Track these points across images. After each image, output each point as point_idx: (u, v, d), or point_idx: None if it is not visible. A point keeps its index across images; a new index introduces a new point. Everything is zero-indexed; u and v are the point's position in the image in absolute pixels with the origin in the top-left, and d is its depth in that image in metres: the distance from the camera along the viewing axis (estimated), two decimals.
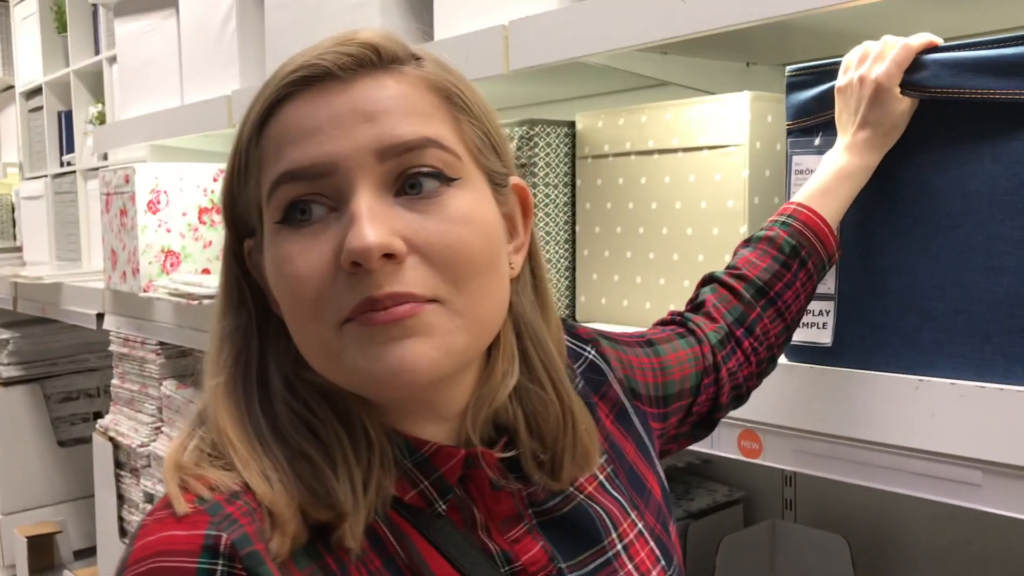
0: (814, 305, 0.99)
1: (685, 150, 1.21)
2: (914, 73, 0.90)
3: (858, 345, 0.96)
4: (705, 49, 1.31)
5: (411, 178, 0.60)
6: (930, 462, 0.88)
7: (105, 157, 2.91)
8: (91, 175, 3.08)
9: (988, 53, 0.86)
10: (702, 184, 1.19)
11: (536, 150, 1.32)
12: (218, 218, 1.97)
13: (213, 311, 0.68)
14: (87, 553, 3.08)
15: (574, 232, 1.38)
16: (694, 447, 1.08)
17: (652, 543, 0.73)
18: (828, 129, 0.97)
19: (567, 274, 1.38)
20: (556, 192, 1.35)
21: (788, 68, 1.02)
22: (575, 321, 0.83)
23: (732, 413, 1.02)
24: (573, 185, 1.37)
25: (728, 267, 0.92)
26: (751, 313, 0.89)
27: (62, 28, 3.38)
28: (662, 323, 0.92)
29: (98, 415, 2.92)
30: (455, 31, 1.44)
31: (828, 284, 0.98)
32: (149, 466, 2.23)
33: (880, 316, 0.95)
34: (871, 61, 0.91)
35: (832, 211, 0.92)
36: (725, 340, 0.88)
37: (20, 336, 3.11)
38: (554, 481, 0.68)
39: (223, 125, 1.97)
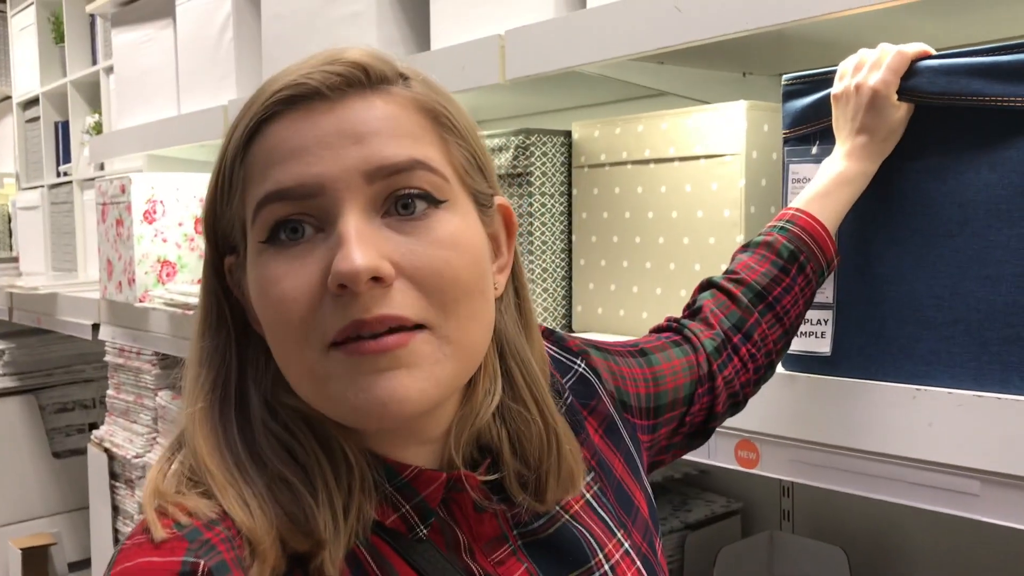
0: (813, 314, 0.98)
1: (681, 159, 1.21)
2: (910, 79, 0.90)
3: (857, 354, 0.96)
4: (701, 59, 1.32)
5: (399, 200, 0.59)
6: (928, 472, 0.88)
7: (102, 167, 2.91)
8: (87, 185, 3.08)
9: (984, 60, 0.86)
10: (698, 193, 1.19)
11: (532, 159, 1.32)
12: None
13: (192, 329, 0.67)
14: (82, 565, 3.06)
15: (570, 242, 1.37)
16: (692, 458, 1.07)
17: (639, 562, 0.72)
18: (825, 137, 0.97)
19: (563, 284, 1.38)
20: (552, 201, 1.35)
21: (784, 77, 1.02)
22: (564, 333, 0.83)
23: (729, 423, 1.01)
24: (569, 195, 1.37)
25: (726, 272, 0.92)
26: (749, 318, 0.88)
27: (59, 39, 3.38)
28: (658, 330, 0.91)
29: (93, 426, 2.91)
30: (451, 41, 1.45)
31: (827, 293, 0.98)
32: (144, 477, 2.22)
33: (878, 325, 0.95)
34: (868, 68, 0.91)
35: (830, 217, 0.92)
36: (721, 347, 0.87)
37: (15, 347, 3.10)
38: (539, 503, 0.67)
39: (219, 135, 1.97)
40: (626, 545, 0.72)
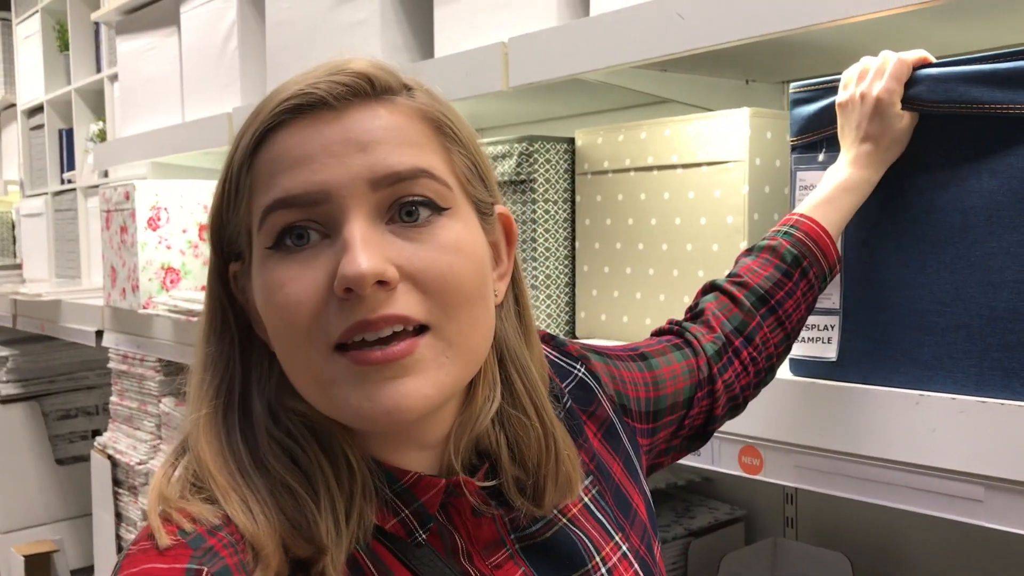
0: (819, 320, 0.99)
1: (684, 166, 1.21)
2: (911, 88, 0.91)
3: (862, 360, 0.96)
4: (704, 66, 1.32)
5: (403, 207, 0.61)
6: (932, 478, 0.88)
7: (106, 174, 2.91)
8: (91, 193, 3.08)
9: (983, 67, 0.86)
10: (702, 200, 1.19)
11: (536, 166, 1.33)
12: None
13: (197, 334, 0.68)
14: (84, 572, 3.06)
15: (574, 248, 1.38)
16: (695, 464, 1.07)
17: (636, 565, 0.73)
18: (831, 145, 0.98)
19: (567, 290, 1.38)
20: (556, 208, 1.35)
21: (792, 85, 1.02)
22: (565, 338, 0.83)
23: (733, 429, 1.01)
24: (573, 201, 1.37)
25: (729, 275, 0.93)
26: (751, 322, 0.89)
27: (64, 47, 3.40)
28: (659, 332, 0.92)
29: (96, 433, 2.91)
30: (455, 48, 1.45)
31: (833, 298, 0.98)
32: (147, 484, 2.22)
33: (882, 331, 0.95)
34: (871, 77, 0.91)
35: (834, 223, 0.93)
36: (722, 351, 0.87)
37: (19, 353, 3.10)
38: (536, 507, 0.68)
39: (224, 142, 1.98)
40: (624, 548, 0.73)
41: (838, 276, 0.98)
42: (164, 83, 2.32)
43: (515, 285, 0.72)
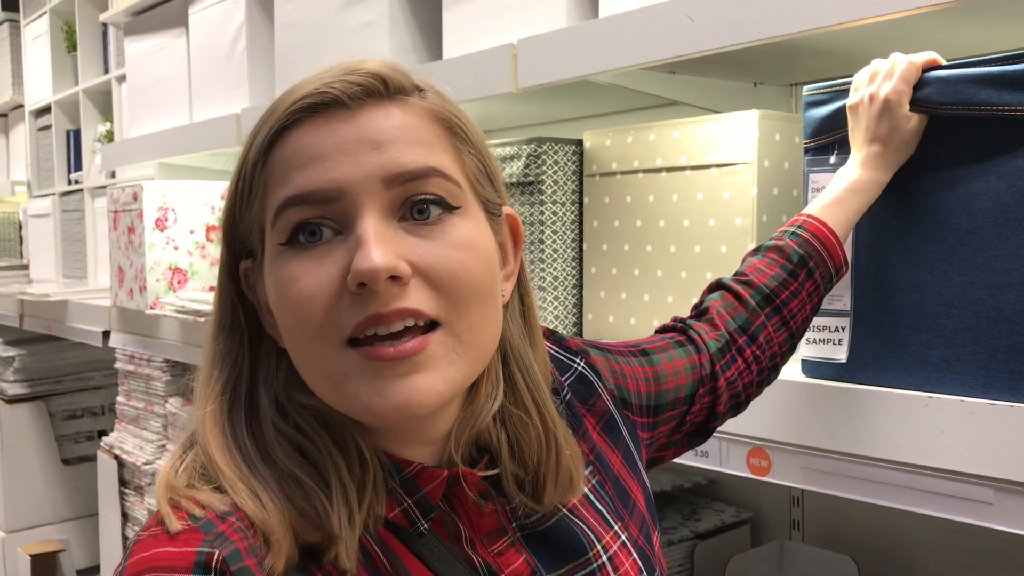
0: (830, 321, 0.99)
1: (693, 168, 1.21)
2: (920, 90, 0.91)
3: (871, 362, 0.97)
4: (713, 68, 1.32)
5: (415, 205, 0.62)
6: (941, 480, 0.88)
7: (113, 175, 2.92)
8: (98, 193, 3.09)
9: (992, 70, 0.86)
10: (710, 202, 1.19)
11: (544, 168, 1.33)
12: None
13: (207, 331, 0.69)
14: (90, 572, 3.07)
15: (581, 250, 1.38)
16: (703, 465, 1.08)
17: (635, 554, 0.74)
18: (843, 147, 0.98)
19: (574, 292, 1.39)
20: (564, 210, 1.36)
21: (805, 88, 1.03)
22: (565, 333, 0.84)
23: (741, 431, 1.01)
24: (581, 203, 1.37)
25: (736, 274, 0.93)
26: (755, 320, 0.89)
27: (72, 48, 3.40)
28: (663, 329, 0.93)
29: (102, 433, 2.92)
30: (464, 50, 1.45)
31: (844, 300, 0.98)
32: (154, 484, 2.23)
33: (891, 333, 0.95)
34: (880, 79, 0.92)
35: (841, 224, 0.93)
36: (725, 348, 0.88)
37: (26, 353, 3.11)
38: (536, 504, 0.69)
39: (232, 143, 1.98)
40: (623, 537, 0.74)
41: (849, 278, 0.98)
42: (172, 84, 2.33)
43: (520, 286, 0.73)
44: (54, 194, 3.49)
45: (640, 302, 1.29)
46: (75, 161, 3.44)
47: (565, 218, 1.36)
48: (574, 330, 1.39)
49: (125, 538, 2.39)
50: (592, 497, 0.75)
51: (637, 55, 1.15)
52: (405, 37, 1.61)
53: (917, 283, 0.93)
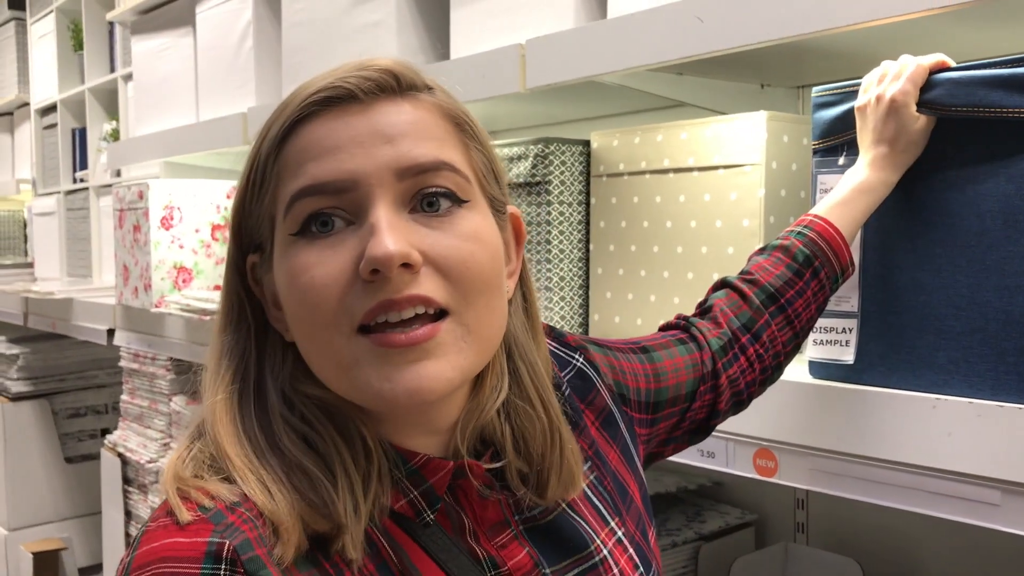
0: (838, 323, 0.99)
1: (700, 169, 1.21)
2: (929, 92, 0.91)
3: (879, 363, 0.97)
4: (720, 70, 1.32)
5: (426, 197, 0.63)
6: (948, 481, 0.88)
7: (118, 174, 2.92)
8: (103, 192, 3.10)
9: (1001, 72, 0.86)
10: (717, 203, 1.19)
11: (551, 168, 1.33)
12: None
13: (214, 324, 0.70)
14: (92, 570, 3.06)
15: (588, 250, 1.38)
16: (709, 466, 1.08)
17: (631, 550, 0.75)
18: (852, 149, 0.98)
19: (581, 292, 1.39)
20: (570, 210, 1.36)
21: (814, 89, 1.03)
22: (564, 330, 0.85)
23: (748, 431, 1.01)
24: (588, 203, 1.37)
25: (741, 272, 0.94)
26: (759, 319, 0.90)
27: (78, 46, 3.41)
28: (667, 327, 0.93)
29: (105, 432, 2.92)
30: (472, 50, 1.46)
31: (851, 302, 0.98)
32: (157, 482, 2.23)
33: (899, 334, 0.95)
34: (888, 80, 0.92)
35: (848, 224, 0.93)
36: (727, 346, 0.89)
37: (30, 351, 3.11)
38: (540, 498, 0.70)
39: (238, 142, 1.99)
40: (619, 533, 0.75)
41: (857, 279, 0.98)
42: (178, 83, 2.33)
43: (523, 283, 0.75)
44: (59, 192, 3.49)
45: (646, 303, 1.29)
46: (80, 159, 3.45)
47: (572, 218, 1.36)
48: (580, 330, 1.39)
49: (128, 536, 2.39)
50: (590, 493, 0.76)
51: (645, 56, 1.15)
52: (412, 37, 1.61)
53: (925, 285, 0.93)
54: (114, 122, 3.17)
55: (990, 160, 0.89)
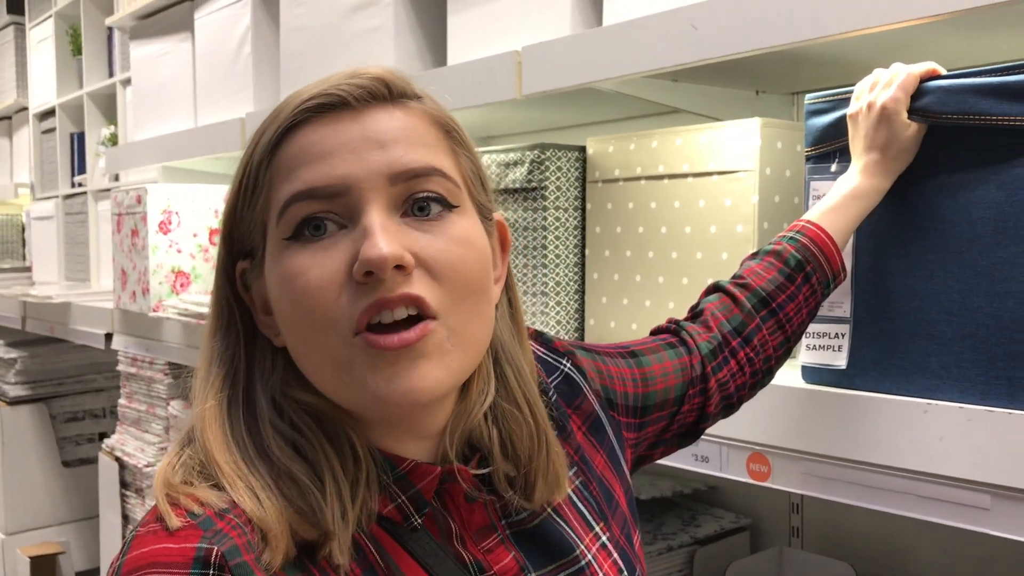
0: (830, 328, 1.00)
1: (695, 175, 1.22)
2: (921, 99, 0.92)
3: (871, 368, 0.97)
4: (715, 76, 1.33)
5: (417, 202, 0.65)
6: (939, 486, 0.88)
7: (116, 178, 2.93)
8: (102, 196, 3.10)
9: (992, 80, 0.87)
10: (712, 209, 1.20)
11: (547, 174, 1.34)
12: None
13: (204, 330, 0.71)
14: (90, 574, 3.07)
15: (584, 256, 1.39)
16: (703, 470, 1.08)
17: (616, 554, 0.76)
18: (844, 156, 0.99)
19: (576, 297, 1.39)
20: (566, 216, 1.36)
21: (807, 96, 1.04)
22: (552, 335, 0.86)
23: (741, 436, 1.02)
24: (583, 209, 1.38)
25: (733, 276, 0.95)
26: (750, 323, 0.91)
27: (77, 51, 3.42)
28: (657, 330, 0.94)
29: (103, 436, 2.92)
30: (468, 56, 1.46)
31: (844, 307, 0.99)
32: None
33: (891, 340, 0.96)
34: (880, 88, 0.93)
35: (840, 230, 0.94)
36: (717, 350, 0.89)
37: (27, 355, 3.12)
38: (527, 501, 0.71)
39: (236, 147, 1.99)
40: (603, 538, 0.76)
41: (849, 285, 0.99)
42: (177, 88, 2.34)
43: (508, 289, 0.76)
44: (57, 196, 3.50)
45: (642, 308, 1.30)
46: (79, 164, 3.45)
47: (568, 224, 1.37)
48: (576, 335, 1.40)
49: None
50: (575, 498, 0.77)
51: (640, 63, 1.16)
52: (410, 43, 1.62)
53: (917, 290, 0.94)
54: (112, 127, 3.18)
55: (981, 167, 0.89)
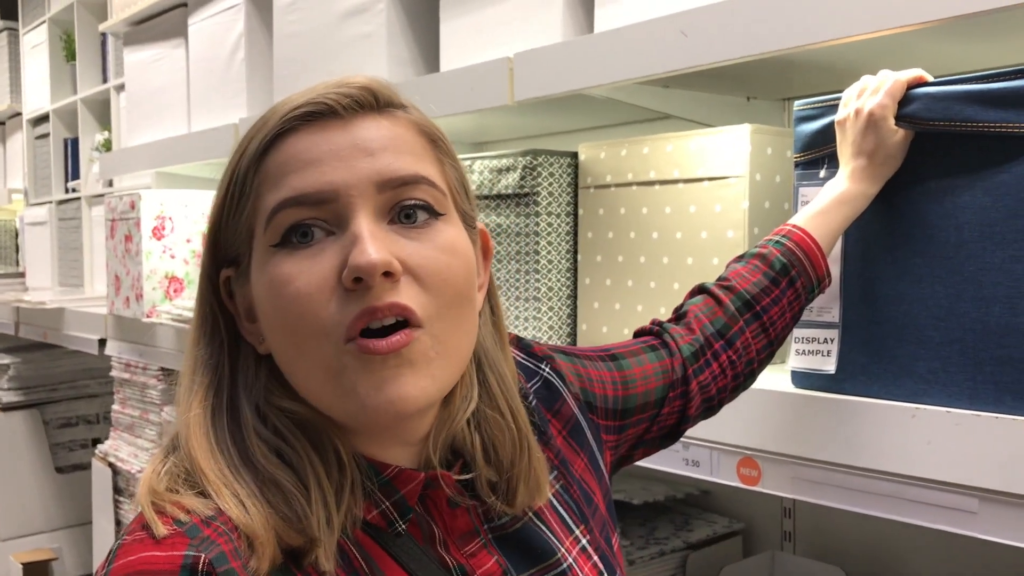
0: (819, 333, 1.00)
1: (686, 181, 1.23)
2: (908, 106, 0.92)
3: (860, 373, 0.98)
4: (706, 83, 1.34)
5: (404, 209, 0.65)
6: (927, 490, 0.89)
7: (110, 184, 2.93)
8: (95, 202, 3.10)
9: (977, 87, 0.88)
10: (703, 215, 1.20)
11: (539, 180, 1.34)
12: None
13: (188, 338, 0.71)
14: None
15: (576, 261, 1.39)
16: (693, 475, 1.09)
17: (596, 557, 0.77)
18: (833, 162, 1.00)
19: (568, 302, 1.40)
20: (558, 221, 1.37)
21: (796, 103, 1.04)
22: (531, 340, 0.86)
23: (731, 440, 1.03)
24: (575, 215, 1.39)
25: (719, 279, 0.95)
26: (734, 325, 0.91)
27: (71, 57, 3.42)
28: (640, 332, 0.95)
29: (97, 441, 2.92)
30: (461, 63, 1.47)
31: (833, 312, 1.00)
32: None
33: (879, 345, 0.96)
34: (867, 94, 0.94)
35: (827, 235, 0.95)
36: (699, 353, 0.89)
37: (21, 361, 3.11)
38: (509, 506, 0.72)
39: (229, 153, 1.99)
40: (583, 541, 0.77)
41: (838, 290, 0.99)
42: (171, 94, 2.34)
43: (491, 296, 0.77)
44: (51, 202, 3.50)
45: (633, 313, 1.30)
46: (72, 170, 3.45)
47: (560, 230, 1.37)
48: (569, 340, 1.40)
49: None
50: (556, 502, 0.77)
51: (631, 69, 1.17)
52: (403, 49, 1.62)
53: (905, 295, 0.94)
54: (106, 132, 3.18)
55: (967, 173, 0.90)
